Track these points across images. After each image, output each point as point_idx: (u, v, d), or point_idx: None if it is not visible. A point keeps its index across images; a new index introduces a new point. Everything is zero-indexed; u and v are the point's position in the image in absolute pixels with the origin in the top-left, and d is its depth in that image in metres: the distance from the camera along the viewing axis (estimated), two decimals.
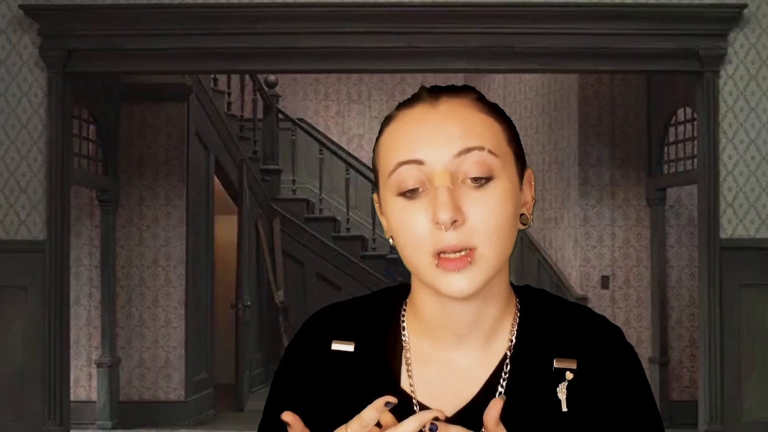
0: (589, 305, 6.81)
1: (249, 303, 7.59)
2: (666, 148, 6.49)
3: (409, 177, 0.93)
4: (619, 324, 6.52)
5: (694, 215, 6.36)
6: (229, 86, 8.38)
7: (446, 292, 0.92)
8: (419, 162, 0.92)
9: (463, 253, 0.91)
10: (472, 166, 0.92)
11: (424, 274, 0.93)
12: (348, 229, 9.06)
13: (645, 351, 6.60)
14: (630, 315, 6.73)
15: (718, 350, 5.03)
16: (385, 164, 0.95)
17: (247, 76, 8.66)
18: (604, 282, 6.74)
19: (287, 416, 0.93)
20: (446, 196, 0.90)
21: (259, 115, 8.98)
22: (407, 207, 0.93)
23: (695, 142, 5.75)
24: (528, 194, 0.99)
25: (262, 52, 5.23)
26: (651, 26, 5.08)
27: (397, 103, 1.02)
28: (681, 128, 6.32)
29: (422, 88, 0.99)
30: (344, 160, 9.26)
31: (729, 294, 5.05)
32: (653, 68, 5.34)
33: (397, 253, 0.95)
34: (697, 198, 5.52)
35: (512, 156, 0.97)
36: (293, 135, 9.22)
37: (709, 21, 5.09)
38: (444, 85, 1.00)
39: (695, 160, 5.68)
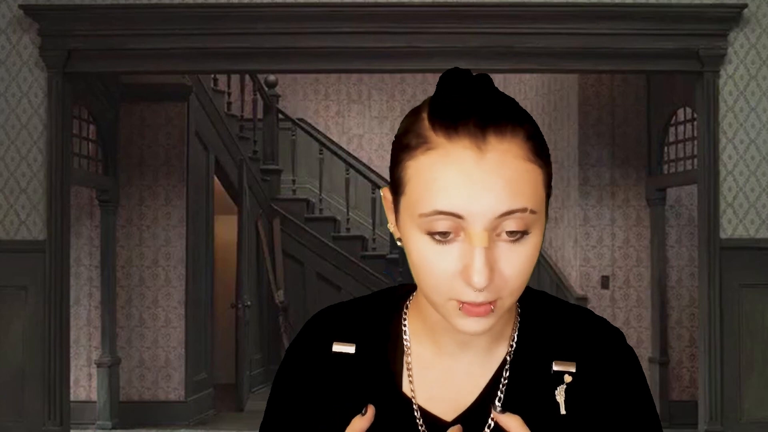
0: (589, 305, 6.83)
1: (249, 303, 7.58)
2: (666, 148, 6.49)
3: (443, 225, 0.88)
4: (619, 324, 6.55)
5: (694, 215, 6.36)
6: (229, 86, 8.38)
7: (460, 330, 0.91)
8: (459, 216, 0.87)
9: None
10: (511, 225, 0.88)
11: (440, 310, 0.92)
12: (348, 229, 9.06)
13: (645, 351, 6.60)
14: (630, 315, 6.72)
15: (718, 350, 5.03)
16: (418, 199, 0.89)
17: (247, 76, 8.66)
18: (604, 282, 6.74)
19: (370, 410, 0.96)
20: (483, 261, 0.86)
21: (259, 115, 8.98)
22: (436, 251, 0.89)
23: (695, 142, 5.75)
24: (544, 216, 0.97)
25: (262, 52, 5.23)
26: (651, 26, 5.08)
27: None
28: (681, 128, 6.32)
29: (472, 107, 0.88)
30: (344, 160, 9.26)
31: (729, 294, 5.05)
32: (653, 68, 5.34)
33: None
34: (697, 198, 5.52)
35: (545, 198, 0.93)
36: (293, 135, 9.22)
37: (709, 21, 5.09)
38: (490, 100, 0.89)
39: (695, 160, 5.68)
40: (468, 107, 0.88)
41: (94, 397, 6.36)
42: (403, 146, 0.91)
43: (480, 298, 0.88)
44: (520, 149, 0.88)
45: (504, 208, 0.87)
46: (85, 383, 6.43)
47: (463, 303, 0.89)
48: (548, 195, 0.94)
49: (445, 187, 0.87)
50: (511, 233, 0.88)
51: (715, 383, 5.02)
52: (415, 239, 0.90)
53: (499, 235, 0.88)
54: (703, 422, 5.07)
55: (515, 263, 0.89)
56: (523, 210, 0.88)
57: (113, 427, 6.26)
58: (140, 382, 6.56)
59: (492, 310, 0.89)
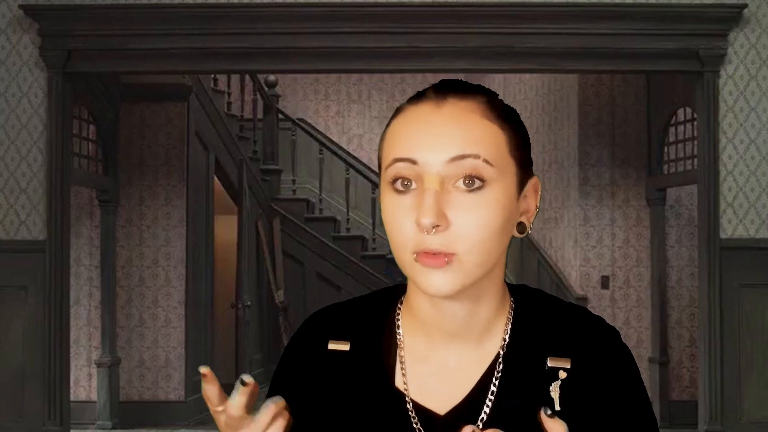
0: (589, 305, 6.83)
1: (249, 303, 7.59)
2: (666, 148, 6.49)
3: (403, 173, 0.93)
4: (618, 324, 6.55)
5: (694, 215, 6.36)
6: (229, 86, 8.38)
7: (425, 289, 0.93)
8: (413, 161, 0.92)
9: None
10: (464, 172, 0.92)
11: (406, 270, 0.95)
12: (348, 229, 9.06)
13: (645, 351, 6.60)
14: (630, 315, 6.73)
15: (718, 350, 5.03)
16: (385, 157, 0.96)
17: (247, 76, 8.66)
18: (604, 282, 6.74)
19: (204, 368, 0.91)
20: (432, 200, 0.90)
21: (259, 115, 8.98)
22: (397, 203, 0.93)
23: (695, 142, 5.75)
24: (531, 202, 0.99)
25: (262, 52, 5.23)
26: (651, 26, 5.08)
27: (397, 103, 1.02)
28: (681, 128, 6.32)
29: (436, 84, 0.98)
30: (344, 160, 9.26)
31: (729, 294, 5.05)
32: (653, 68, 5.34)
33: None
34: (697, 198, 5.52)
35: (514, 165, 0.96)
36: (293, 135, 9.22)
37: (709, 21, 5.09)
38: (456, 81, 0.98)
39: (695, 160, 5.69)
40: (435, 84, 0.99)
41: (94, 397, 6.36)
42: (385, 127, 0.99)
43: (433, 244, 0.90)
44: (477, 107, 0.95)
45: (454, 153, 0.91)
46: (85, 383, 6.43)
47: (418, 253, 0.91)
48: (522, 164, 0.97)
49: (402, 137, 0.94)
50: (466, 182, 0.91)
51: (715, 383, 5.02)
52: (384, 197, 0.95)
53: (456, 185, 0.92)
54: (703, 422, 5.07)
55: (470, 214, 0.91)
56: (475, 156, 0.92)
57: (113, 427, 6.26)
58: (140, 382, 6.56)
59: (447, 263, 0.91)
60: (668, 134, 6.46)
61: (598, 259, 6.76)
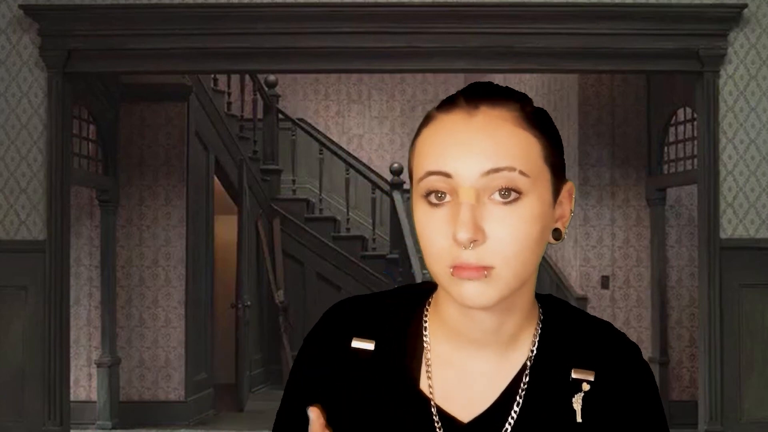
0: (589, 305, 6.79)
1: (249, 303, 7.59)
2: (666, 148, 6.49)
3: (436, 186, 0.92)
4: (618, 324, 6.54)
5: (694, 215, 6.36)
6: (229, 86, 8.38)
7: (461, 301, 0.91)
8: (447, 175, 0.91)
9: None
10: (500, 185, 0.90)
11: (441, 283, 0.93)
12: (348, 229, 9.06)
13: (645, 351, 6.59)
14: (630, 315, 6.72)
15: (718, 350, 5.03)
16: (417, 169, 0.94)
17: (247, 76, 8.66)
18: (604, 282, 6.74)
19: (313, 412, 0.94)
20: (468, 214, 0.88)
21: (259, 115, 8.98)
22: (431, 215, 0.92)
23: (695, 142, 5.75)
24: (566, 208, 0.98)
25: (262, 52, 5.23)
26: (651, 26, 5.09)
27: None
28: (681, 128, 6.32)
29: (466, 89, 0.96)
30: (344, 160, 9.26)
31: (729, 294, 5.05)
32: (653, 68, 5.34)
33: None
34: (697, 198, 5.52)
35: (548, 173, 0.94)
36: (293, 135, 9.22)
37: (709, 21, 5.09)
38: (486, 86, 0.97)
39: (695, 160, 5.69)
40: (467, 89, 0.96)
41: (94, 397, 6.36)
42: (415, 135, 0.97)
43: (470, 258, 0.89)
44: (510, 115, 0.93)
45: (489, 165, 0.90)
46: (85, 383, 6.43)
47: (454, 267, 0.90)
48: (556, 171, 0.95)
49: (435, 149, 0.92)
50: (502, 194, 0.90)
51: (715, 383, 5.02)
52: (417, 210, 0.94)
53: (491, 197, 0.90)
54: (703, 422, 5.07)
55: (507, 227, 0.90)
56: (510, 169, 0.90)
57: (113, 427, 6.26)
58: (140, 382, 6.56)
59: (485, 276, 0.89)
60: (668, 134, 6.46)
61: (598, 259, 6.76)
